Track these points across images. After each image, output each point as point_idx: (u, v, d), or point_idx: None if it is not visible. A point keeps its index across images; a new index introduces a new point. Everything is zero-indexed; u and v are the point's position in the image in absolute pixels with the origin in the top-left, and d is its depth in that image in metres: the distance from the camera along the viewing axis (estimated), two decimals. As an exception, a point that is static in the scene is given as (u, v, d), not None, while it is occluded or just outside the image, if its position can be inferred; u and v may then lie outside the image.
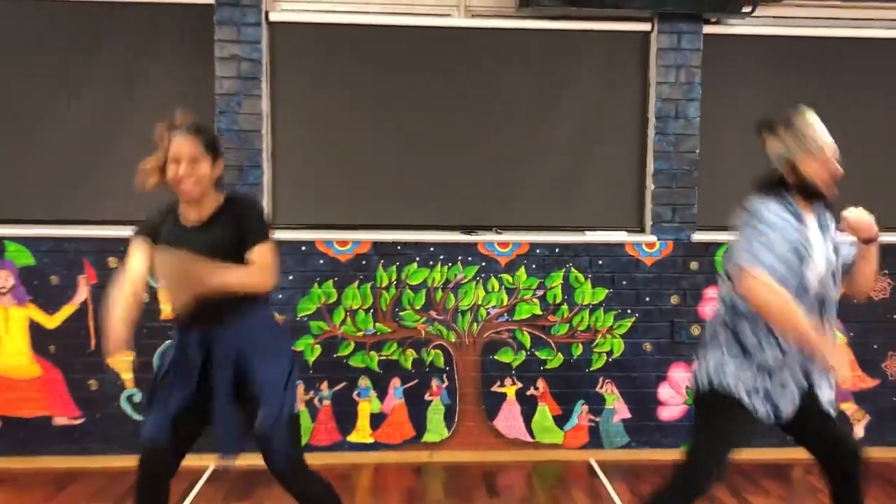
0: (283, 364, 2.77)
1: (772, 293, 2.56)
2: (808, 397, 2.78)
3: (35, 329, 4.52)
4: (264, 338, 2.73)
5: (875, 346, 4.79)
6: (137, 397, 4.53)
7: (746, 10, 4.46)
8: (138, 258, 2.70)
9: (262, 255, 2.61)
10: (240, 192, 2.81)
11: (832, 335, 2.77)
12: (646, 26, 4.62)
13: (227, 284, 2.50)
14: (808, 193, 2.74)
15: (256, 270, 2.59)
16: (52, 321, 4.52)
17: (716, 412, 2.81)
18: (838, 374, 2.58)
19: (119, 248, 4.42)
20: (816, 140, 2.73)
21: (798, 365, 2.73)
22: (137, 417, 4.51)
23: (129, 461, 4.27)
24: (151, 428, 2.71)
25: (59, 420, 4.56)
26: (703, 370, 2.82)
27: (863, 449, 2.84)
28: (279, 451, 2.72)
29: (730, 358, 2.77)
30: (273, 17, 4.50)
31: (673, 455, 4.50)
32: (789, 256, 2.63)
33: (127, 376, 4.52)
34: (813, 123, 2.76)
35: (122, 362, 4.49)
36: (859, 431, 4.79)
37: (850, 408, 4.78)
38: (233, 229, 2.65)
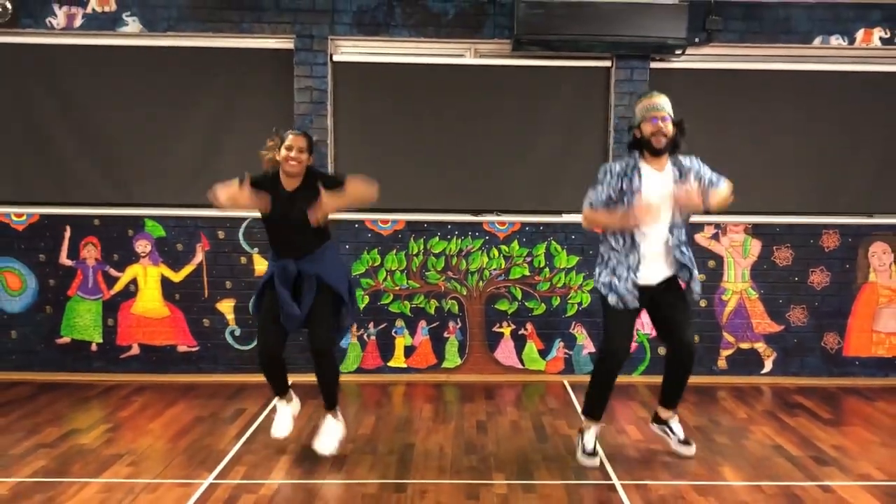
0: (345, 277, 4.55)
1: (588, 213, 4.26)
2: (648, 293, 4.28)
3: (165, 282, 6.19)
4: (333, 263, 4.49)
5: (780, 301, 6.29)
6: (238, 332, 6.22)
7: (679, 51, 6.01)
8: (241, 190, 4.28)
9: (353, 185, 4.38)
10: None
11: (671, 246, 4.24)
12: (607, 63, 6.15)
13: (343, 203, 4.38)
14: (649, 148, 4.21)
15: (357, 192, 4.40)
16: (177, 276, 6.20)
17: (603, 309, 4.37)
18: (635, 219, 4.09)
19: (226, 224, 6.13)
20: (645, 108, 4.22)
21: (627, 262, 4.23)
22: (238, 347, 6.20)
23: (232, 377, 6.03)
24: (269, 338, 4.41)
25: (182, 348, 6.24)
26: (596, 280, 4.39)
27: (689, 342, 4.30)
28: (324, 333, 4.42)
29: (598, 267, 4.37)
30: (336, 58, 6.12)
31: (626, 378, 6.10)
32: (612, 199, 4.19)
33: (230, 317, 6.22)
34: (641, 100, 4.30)
35: (227, 307, 6.20)
36: (768, 365, 6.32)
37: (761, 346, 6.30)
38: (313, 195, 4.25)
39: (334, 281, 4.42)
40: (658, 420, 4.64)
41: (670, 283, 4.36)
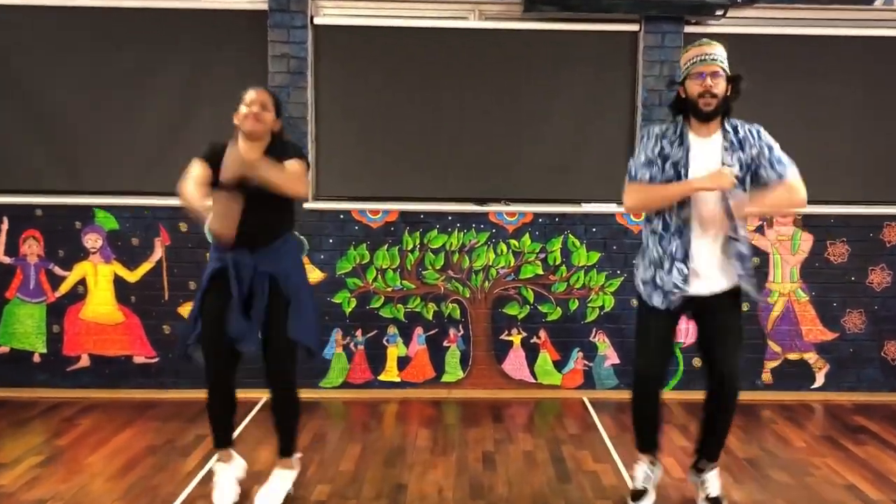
0: (306, 284, 3.68)
1: (634, 192, 3.38)
2: (701, 303, 3.40)
3: (118, 282, 5.39)
4: (294, 263, 3.64)
5: (835, 304, 5.48)
6: (203, 340, 5.38)
7: (719, 13, 5.17)
8: (199, 171, 3.45)
9: (294, 166, 3.41)
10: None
11: (735, 222, 3.30)
12: (634, 27, 5.33)
13: (269, 177, 3.27)
14: (695, 112, 3.28)
15: (292, 176, 3.37)
16: (132, 276, 5.39)
17: (637, 318, 3.65)
18: (714, 182, 3.19)
19: (188, 215, 5.26)
20: (691, 59, 3.28)
21: (671, 250, 3.37)
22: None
23: (196, 393, 5.11)
24: (220, 362, 3.62)
25: (138, 359, 5.43)
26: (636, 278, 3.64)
27: (733, 378, 3.37)
28: (287, 363, 3.56)
29: (638, 261, 3.61)
30: (317, 21, 5.30)
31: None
32: (653, 162, 3.33)
33: (194, 323, 5.39)
34: (688, 49, 3.33)
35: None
36: (820, 379, 5.49)
37: (812, 357, 5.48)
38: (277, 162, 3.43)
39: (293, 287, 3.55)
40: (697, 469, 3.69)
41: (726, 294, 3.45)
